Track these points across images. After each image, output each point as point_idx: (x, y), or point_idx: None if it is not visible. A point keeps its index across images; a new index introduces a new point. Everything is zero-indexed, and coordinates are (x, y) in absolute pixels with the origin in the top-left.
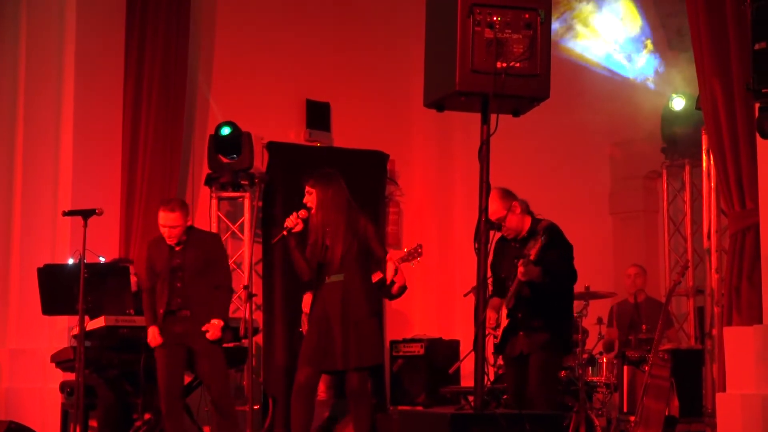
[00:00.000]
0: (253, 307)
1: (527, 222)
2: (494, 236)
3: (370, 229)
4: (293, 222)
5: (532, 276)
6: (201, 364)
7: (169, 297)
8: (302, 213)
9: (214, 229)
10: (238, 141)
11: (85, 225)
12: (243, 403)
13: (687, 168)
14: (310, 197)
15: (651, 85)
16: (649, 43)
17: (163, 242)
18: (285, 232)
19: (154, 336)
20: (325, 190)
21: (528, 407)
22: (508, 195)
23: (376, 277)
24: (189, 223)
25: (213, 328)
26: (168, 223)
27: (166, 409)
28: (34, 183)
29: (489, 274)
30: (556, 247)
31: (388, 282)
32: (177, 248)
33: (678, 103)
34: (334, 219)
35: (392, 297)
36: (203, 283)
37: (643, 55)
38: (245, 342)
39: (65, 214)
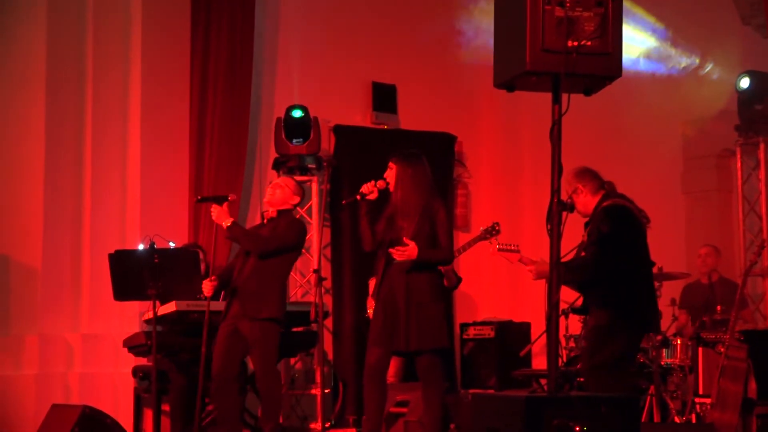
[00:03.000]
0: (322, 291)
1: (593, 203)
2: (566, 217)
3: (441, 215)
4: (369, 189)
5: (541, 274)
6: (250, 343)
7: (238, 272)
8: (380, 183)
9: None
10: (306, 125)
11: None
12: (313, 387)
13: (762, 146)
14: (390, 172)
15: (722, 62)
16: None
17: (261, 220)
18: (358, 197)
19: (206, 285)
20: (405, 168)
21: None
22: (575, 176)
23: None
24: (293, 202)
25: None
26: (278, 182)
27: (215, 387)
28: (103, 171)
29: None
30: (600, 232)
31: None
32: (266, 222)
33: (745, 82)
34: (412, 200)
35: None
36: (264, 266)
37: (715, 30)
38: (315, 326)
39: (198, 201)
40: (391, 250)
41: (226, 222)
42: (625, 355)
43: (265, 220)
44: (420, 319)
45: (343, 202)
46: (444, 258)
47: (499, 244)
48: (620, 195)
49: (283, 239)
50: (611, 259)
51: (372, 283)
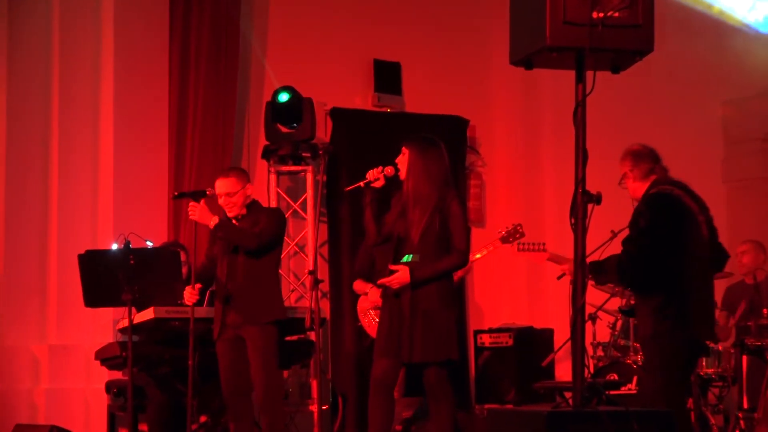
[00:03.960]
0: (319, 295)
1: (643, 188)
2: (593, 210)
3: (454, 209)
4: (375, 175)
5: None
6: (249, 349)
7: (228, 277)
8: (388, 169)
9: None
10: (298, 108)
11: None
12: (310, 403)
13: None
14: (402, 158)
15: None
16: None
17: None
18: (362, 184)
19: (188, 294)
20: (419, 155)
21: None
22: (621, 160)
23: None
24: (249, 194)
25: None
26: (223, 189)
27: (230, 409)
28: (72, 162)
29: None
30: (637, 225)
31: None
32: (236, 223)
33: None
34: (425, 191)
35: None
36: (256, 265)
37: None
38: (311, 334)
39: (175, 197)
40: (380, 281)
41: (212, 221)
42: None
43: (234, 221)
44: (426, 328)
45: (346, 189)
46: (454, 264)
47: (520, 244)
48: (672, 181)
49: (273, 230)
50: (650, 257)
51: (357, 286)
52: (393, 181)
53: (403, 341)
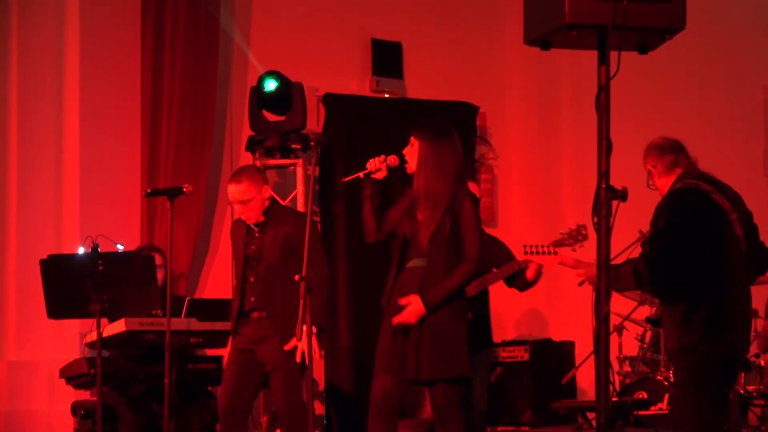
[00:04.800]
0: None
1: (669, 183)
2: (618, 208)
3: (467, 209)
4: (376, 165)
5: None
6: (271, 377)
7: (242, 295)
8: (392, 159)
9: None
10: (287, 95)
11: (172, 207)
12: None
13: None
14: (411, 149)
15: None
16: None
17: (244, 223)
18: (362, 174)
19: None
20: (430, 146)
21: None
22: (644, 154)
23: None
24: (267, 196)
25: (302, 347)
26: (236, 197)
27: (223, 427)
28: (32, 156)
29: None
30: (656, 225)
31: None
32: (256, 231)
33: None
34: (438, 188)
35: (526, 287)
36: (282, 278)
37: None
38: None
39: (148, 195)
40: (395, 320)
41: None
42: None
43: (254, 227)
44: (433, 342)
45: (343, 180)
46: (466, 276)
47: (526, 246)
48: (699, 174)
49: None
50: (669, 260)
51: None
52: (393, 172)
53: (407, 356)
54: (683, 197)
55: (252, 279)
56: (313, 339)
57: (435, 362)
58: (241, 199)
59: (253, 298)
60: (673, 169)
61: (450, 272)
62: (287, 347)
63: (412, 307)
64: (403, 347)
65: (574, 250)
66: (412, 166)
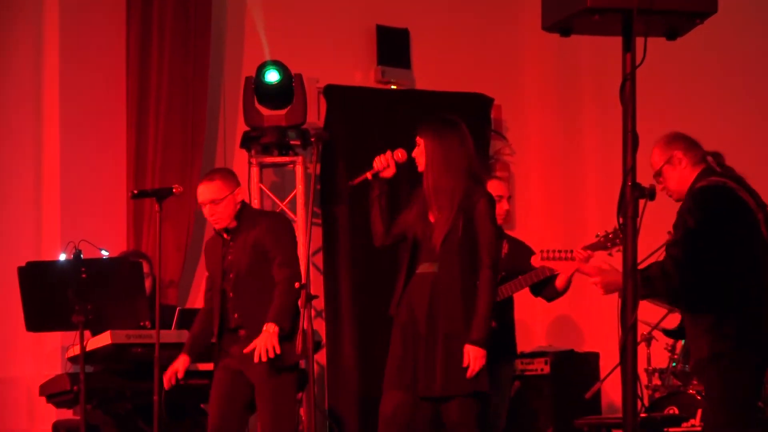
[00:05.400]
0: (313, 313)
1: (691, 180)
2: (645, 207)
3: (481, 208)
4: (383, 163)
5: (611, 287)
6: (257, 399)
7: (221, 311)
8: (399, 153)
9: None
10: (286, 87)
11: (160, 209)
12: None
13: None
14: (419, 150)
15: None
16: None
17: (218, 236)
18: (369, 175)
19: (172, 368)
20: (436, 143)
21: None
22: (672, 140)
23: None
24: (239, 200)
25: (260, 344)
26: (206, 196)
27: None
28: (9, 156)
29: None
30: (686, 225)
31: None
32: (228, 240)
33: None
34: (448, 187)
35: (554, 296)
36: (256, 285)
37: None
38: (302, 362)
39: (135, 196)
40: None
41: (274, 332)
42: (740, 398)
43: (226, 236)
44: (447, 355)
45: (350, 183)
46: (491, 288)
47: (543, 252)
48: (725, 171)
49: (292, 256)
50: (702, 264)
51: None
52: (401, 170)
53: (419, 371)
54: (714, 195)
55: (231, 294)
56: (274, 339)
57: (449, 376)
58: (213, 198)
59: (236, 315)
60: (699, 164)
61: (465, 284)
62: (246, 350)
63: (473, 355)
64: (414, 360)
65: (610, 254)
66: (421, 165)
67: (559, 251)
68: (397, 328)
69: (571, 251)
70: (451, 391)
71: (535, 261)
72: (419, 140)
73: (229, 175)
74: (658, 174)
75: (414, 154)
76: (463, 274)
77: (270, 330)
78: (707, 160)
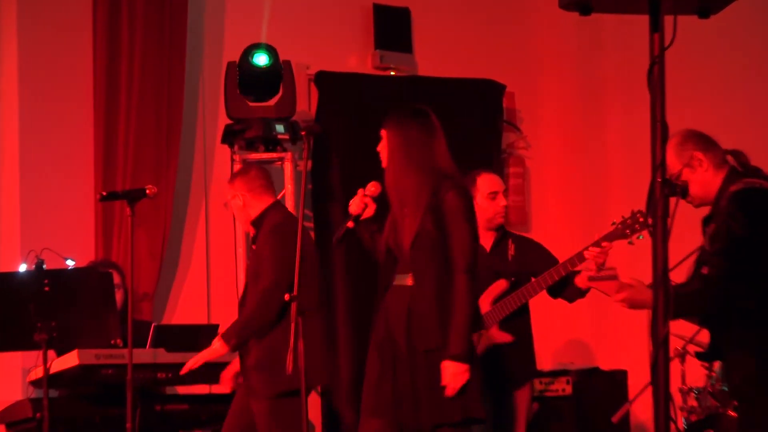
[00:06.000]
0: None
1: (716, 184)
2: (677, 206)
3: (450, 203)
4: (360, 206)
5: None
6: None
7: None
8: (371, 188)
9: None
10: (274, 74)
11: (132, 214)
12: None
13: None
14: (382, 144)
15: None
16: None
17: None
18: (350, 224)
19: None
20: (396, 136)
21: None
22: (689, 139)
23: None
24: (242, 205)
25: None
26: (228, 198)
27: None
28: None
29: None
30: (731, 234)
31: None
32: (253, 247)
33: None
34: (411, 184)
35: (576, 296)
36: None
37: None
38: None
39: (102, 199)
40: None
41: (221, 348)
42: None
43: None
44: (430, 375)
45: (335, 239)
46: (467, 292)
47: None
48: (756, 172)
49: (273, 277)
50: (752, 279)
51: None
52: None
53: (401, 396)
54: (762, 200)
55: (238, 308)
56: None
57: (434, 403)
58: (227, 199)
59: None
60: (722, 166)
61: (441, 295)
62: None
63: (451, 372)
64: (393, 383)
65: (631, 243)
66: (384, 161)
67: (605, 269)
68: (373, 345)
69: (614, 269)
70: (437, 418)
71: (581, 282)
72: (383, 132)
73: (240, 176)
74: (676, 178)
75: (378, 148)
76: (437, 281)
77: (214, 345)
78: (728, 159)
